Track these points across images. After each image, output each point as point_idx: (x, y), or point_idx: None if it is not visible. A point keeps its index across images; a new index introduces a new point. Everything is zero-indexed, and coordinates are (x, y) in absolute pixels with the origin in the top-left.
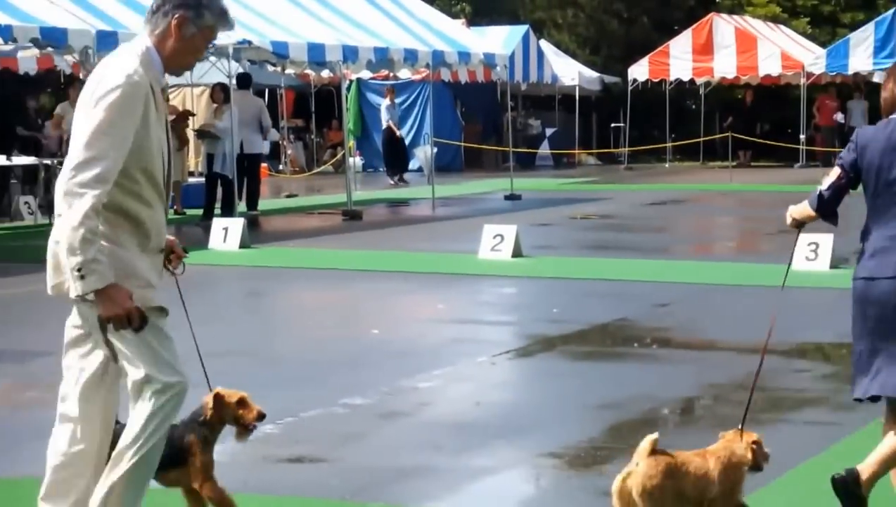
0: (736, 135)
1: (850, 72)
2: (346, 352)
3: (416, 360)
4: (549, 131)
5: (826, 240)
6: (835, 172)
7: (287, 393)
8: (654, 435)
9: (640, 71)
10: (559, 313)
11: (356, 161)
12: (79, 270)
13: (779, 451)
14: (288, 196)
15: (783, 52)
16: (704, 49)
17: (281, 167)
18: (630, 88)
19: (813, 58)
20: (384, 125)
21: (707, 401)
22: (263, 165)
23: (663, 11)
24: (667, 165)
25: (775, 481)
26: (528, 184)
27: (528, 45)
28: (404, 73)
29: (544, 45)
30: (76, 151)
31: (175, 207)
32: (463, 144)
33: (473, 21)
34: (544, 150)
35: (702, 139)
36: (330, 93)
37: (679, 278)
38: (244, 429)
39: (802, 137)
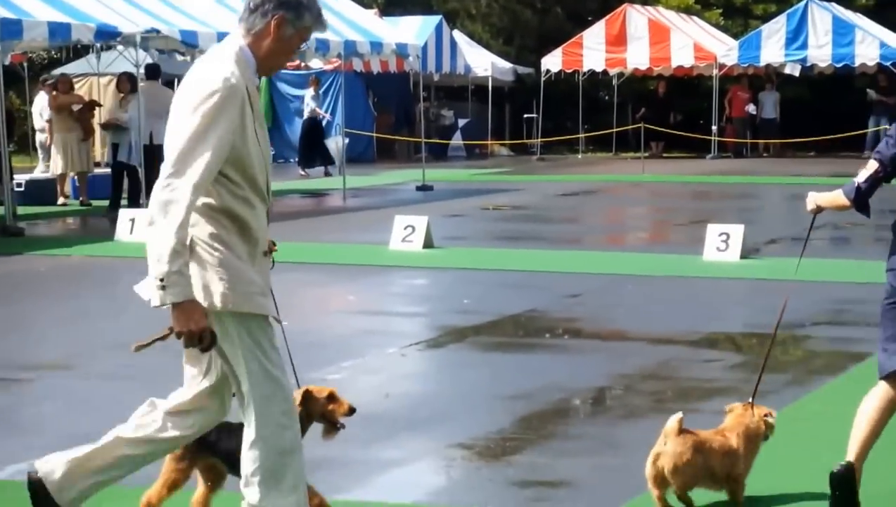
0: (648, 126)
1: (763, 63)
2: None
3: (325, 352)
4: (461, 122)
5: (737, 231)
6: (872, 166)
7: None
8: (679, 415)
9: (553, 62)
10: (470, 303)
11: None
12: (161, 280)
13: None
14: None
15: (696, 43)
16: (618, 40)
17: None
18: (543, 79)
19: (725, 49)
20: (306, 115)
21: (617, 391)
22: None
23: (577, 2)
24: (579, 156)
25: None
26: (440, 175)
27: (441, 36)
28: (316, 63)
29: (457, 35)
30: (173, 158)
31: (81, 198)
32: (375, 134)
33: (386, 11)
34: (457, 140)
35: (614, 130)
36: None
37: (590, 269)
38: (332, 426)
39: (714, 128)
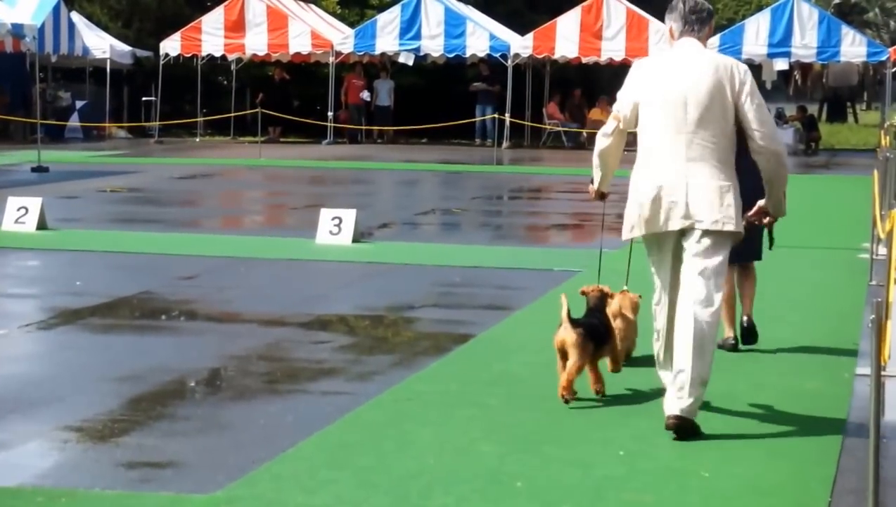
0: (266, 111)
1: (378, 52)
2: None
3: None
4: (79, 104)
5: (349, 215)
6: None
7: None
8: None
9: (172, 46)
10: (83, 285)
11: None
12: None
13: (296, 421)
14: None
15: (313, 30)
16: (236, 26)
17: None
18: (162, 63)
19: (342, 37)
20: None
21: (229, 372)
22: None
23: None
24: (198, 140)
25: (293, 449)
26: (56, 156)
27: (59, 17)
28: None
29: (76, 17)
30: (760, 122)
31: None
32: None
33: None
34: (74, 122)
35: (233, 115)
36: None
37: (206, 252)
38: None
39: (330, 114)
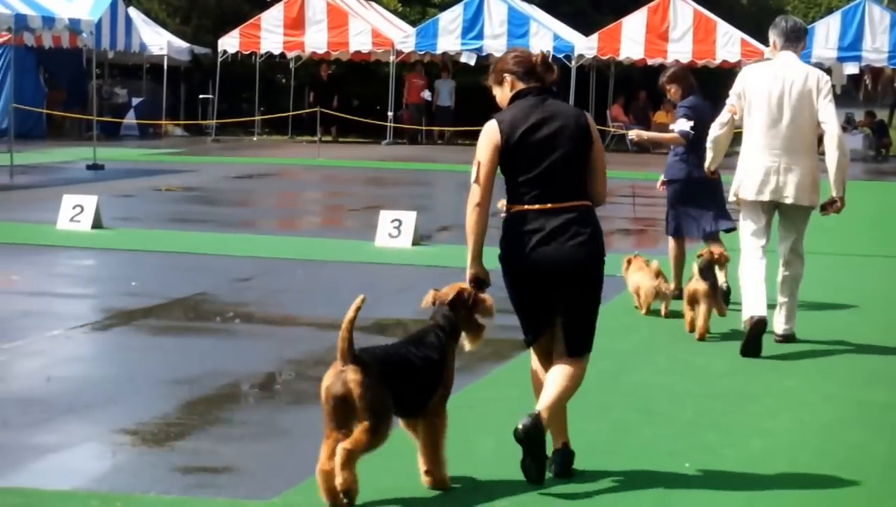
0: (324, 110)
1: (439, 51)
2: None
3: None
4: (135, 101)
5: (409, 217)
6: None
7: None
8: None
9: (230, 43)
10: (138, 286)
11: None
12: None
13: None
14: None
15: (374, 29)
16: (296, 23)
17: None
18: (220, 60)
19: (403, 36)
20: None
21: (286, 376)
22: None
23: None
24: (255, 139)
25: None
26: (112, 154)
27: (116, 12)
28: None
29: (133, 12)
30: (833, 117)
31: None
32: (45, 111)
33: None
34: (130, 119)
35: (291, 114)
36: None
37: (262, 253)
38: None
39: (390, 114)
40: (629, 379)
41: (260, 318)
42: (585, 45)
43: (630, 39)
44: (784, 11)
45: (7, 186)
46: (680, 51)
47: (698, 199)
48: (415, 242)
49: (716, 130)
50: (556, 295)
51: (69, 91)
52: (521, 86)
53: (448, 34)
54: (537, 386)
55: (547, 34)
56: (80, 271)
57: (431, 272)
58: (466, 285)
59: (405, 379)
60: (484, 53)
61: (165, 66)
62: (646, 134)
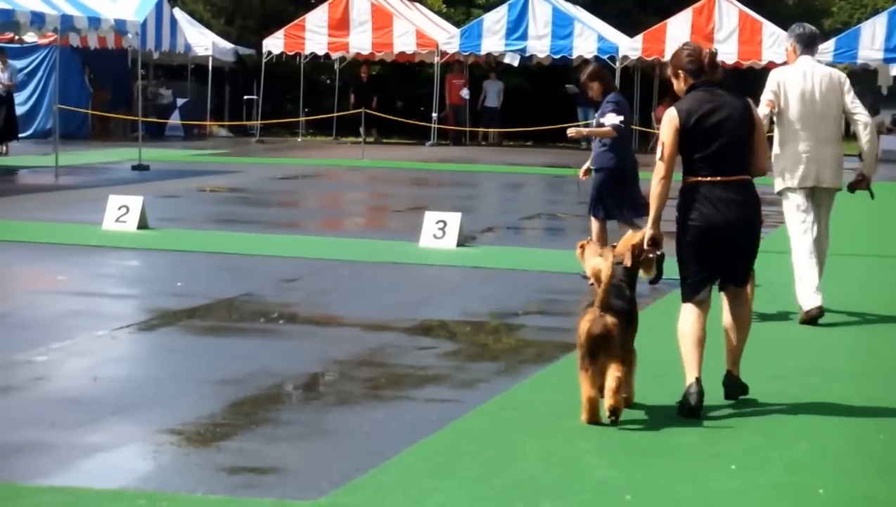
0: (369, 111)
1: (483, 52)
2: None
3: (32, 333)
4: (180, 101)
5: (454, 218)
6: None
7: None
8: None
9: (275, 44)
10: (184, 286)
11: None
12: None
13: (399, 428)
14: None
15: (418, 30)
16: (340, 24)
17: None
18: (264, 61)
19: (447, 37)
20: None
21: (330, 377)
22: None
23: None
24: (299, 140)
25: (396, 456)
26: (157, 154)
27: (161, 13)
28: (31, 37)
29: (178, 13)
30: (860, 109)
31: None
32: (91, 111)
33: None
34: (175, 120)
35: (335, 115)
36: None
37: (307, 254)
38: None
39: (434, 115)
40: (671, 382)
41: (305, 318)
42: (630, 47)
43: (675, 40)
44: (829, 12)
45: (53, 186)
46: (726, 52)
47: (622, 186)
48: (459, 244)
49: (766, 124)
50: (724, 248)
51: (114, 92)
52: (693, 80)
53: (492, 35)
54: (684, 342)
55: (591, 35)
56: (125, 272)
57: (476, 274)
58: (638, 242)
59: (625, 325)
60: (528, 54)
61: (210, 67)
62: (584, 130)
